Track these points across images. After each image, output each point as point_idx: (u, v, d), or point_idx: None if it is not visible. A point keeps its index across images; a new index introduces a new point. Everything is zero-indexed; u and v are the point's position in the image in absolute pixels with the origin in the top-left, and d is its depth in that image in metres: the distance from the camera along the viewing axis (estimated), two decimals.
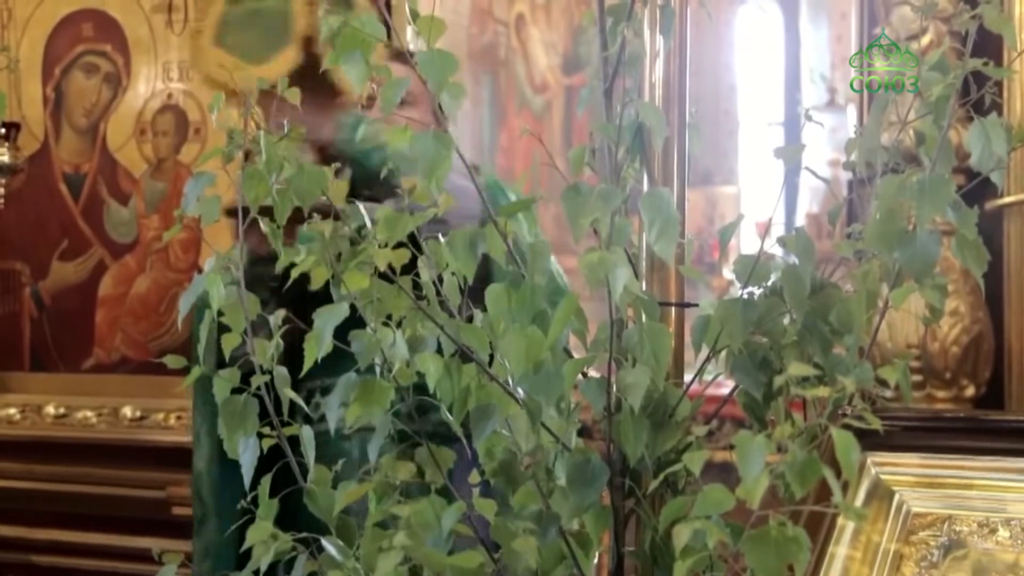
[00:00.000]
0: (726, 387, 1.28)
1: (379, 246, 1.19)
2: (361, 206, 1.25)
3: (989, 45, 1.26)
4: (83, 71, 4.19)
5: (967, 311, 2.83)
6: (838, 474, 0.98)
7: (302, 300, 1.24)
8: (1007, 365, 2.88)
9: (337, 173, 1.39)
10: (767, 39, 9.79)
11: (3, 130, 3.89)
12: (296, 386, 1.27)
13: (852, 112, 5.81)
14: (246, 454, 1.25)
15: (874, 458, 1.89)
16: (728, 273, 6.74)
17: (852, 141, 1.26)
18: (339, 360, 1.21)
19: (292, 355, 1.24)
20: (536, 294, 1.18)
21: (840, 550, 1.80)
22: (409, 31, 1.22)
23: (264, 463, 1.27)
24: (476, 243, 1.20)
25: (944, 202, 1.16)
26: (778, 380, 1.08)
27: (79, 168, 4.20)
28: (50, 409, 4.16)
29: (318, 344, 1.18)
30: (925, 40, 2.77)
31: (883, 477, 1.88)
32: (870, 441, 1.23)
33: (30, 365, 4.27)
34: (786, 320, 1.22)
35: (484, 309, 1.20)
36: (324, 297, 1.21)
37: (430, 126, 1.18)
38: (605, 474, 1.20)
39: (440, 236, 1.22)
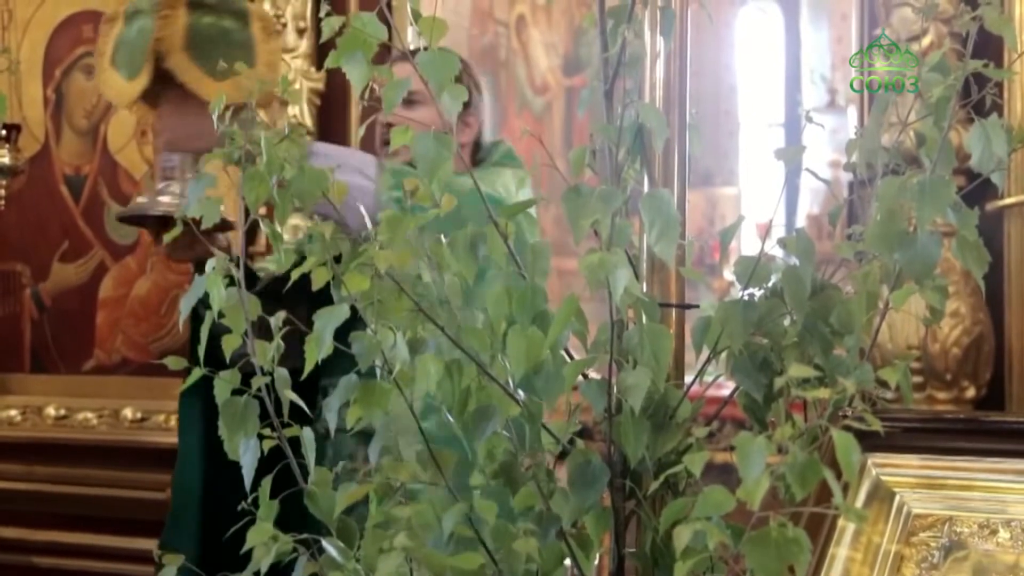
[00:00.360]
0: (727, 388, 1.28)
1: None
2: (362, 207, 1.25)
3: (990, 46, 1.26)
4: (84, 72, 4.19)
5: (968, 312, 2.83)
6: (839, 475, 0.98)
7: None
8: (1008, 366, 2.88)
9: None
10: (767, 40, 9.79)
11: (4, 132, 3.89)
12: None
13: (853, 113, 5.81)
14: (247, 455, 1.25)
15: (875, 459, 1.89)
16: (728, 274, 6.74)
17: (853, 142, 1.26)
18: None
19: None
20: (536, 295, 1.18)
21: (841, 551, 1.80)
22: (410, 32, 1.22)
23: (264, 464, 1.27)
24: (477, 244, 1.20)
25: (945, 203, 1.16)
26: (779, 381, 1.08)
27: (80, 169, 4.20)
28: (50, 410, 4.16)
29: (318, 346, 1.18)
30: (926, 41, 2.78)
31: (884, 478, 1.88)
32: (871, 442, 1.23)
33: (31, 367, 4.27)
34: (787, 321, 1.22)
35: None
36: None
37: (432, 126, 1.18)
38: (606, 475, 1.20)
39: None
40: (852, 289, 1.22)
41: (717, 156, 9.60)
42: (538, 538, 1.20)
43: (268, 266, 2.36)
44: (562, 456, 1.24)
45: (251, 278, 2.33)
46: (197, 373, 1.27)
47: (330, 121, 3.74)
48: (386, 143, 2.41)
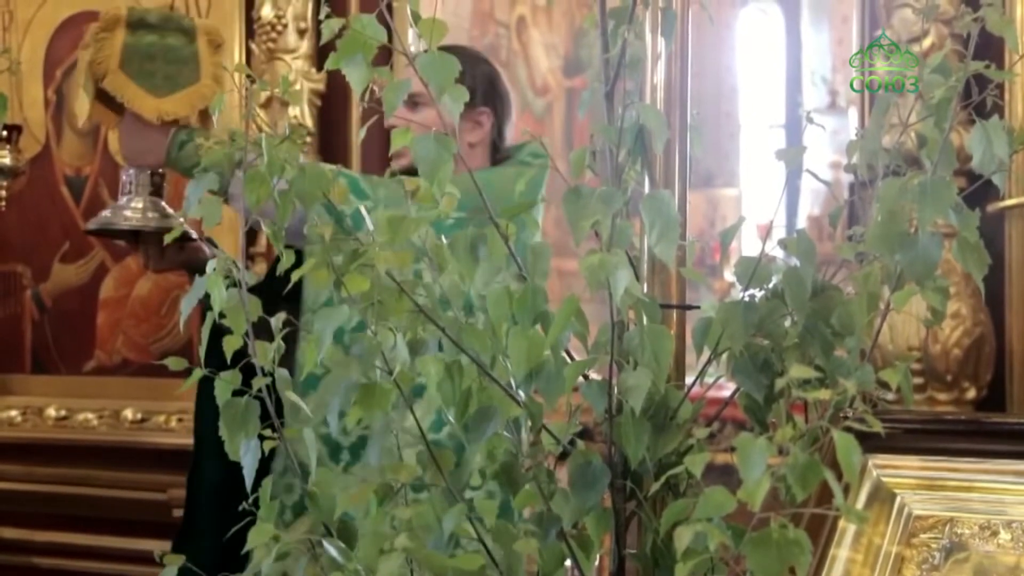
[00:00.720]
0: (727, 389, 1.28)
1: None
2: (362, 208, 1.25)
3: (991, 48, 1.26)
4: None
5: (968, 314, 2.83)
6: (839, 477, 0.98)
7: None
8: (1008, 367, 2.88)
9: None
10: (768, 42, 9.79)
11: (4, 132, 3.88)
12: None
13: (853, 115, 5.81)
14: (247, 456, 1.25)
15: (875, 460, 1.89)
16: (729, 275, 6.74)
17: (853, 143, 1.26)
18: None
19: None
20: (537, 296, 1.18)
21: (841, 552, 1.80)
22: (411, 33, 1.22)
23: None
24: (478, 246, 1.20)
25: (945, 205, 1.16)
26: (779, 382, 1.08)
27: (80, 170, 4.20)
28: (51, 411, 4.16)
29: (318, 347, 1.19)
30: (926, 43, 2.77)
31: (884, 479, 1.88)
32: (871, 443, 1.23)
33: (31, 367, 4.26)
34: (787, 322, 1.22)
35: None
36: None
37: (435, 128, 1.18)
38: (606, 476, 1.20)
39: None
40: (853, 290, 1.22)
41: (718, 157, 9.61)
42: (539, 539, 1.20)
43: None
44: (563, 457, 1.24)
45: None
46: (198, 373, 1.27)
47: (330, 122, 3.74)
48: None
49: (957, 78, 1.20)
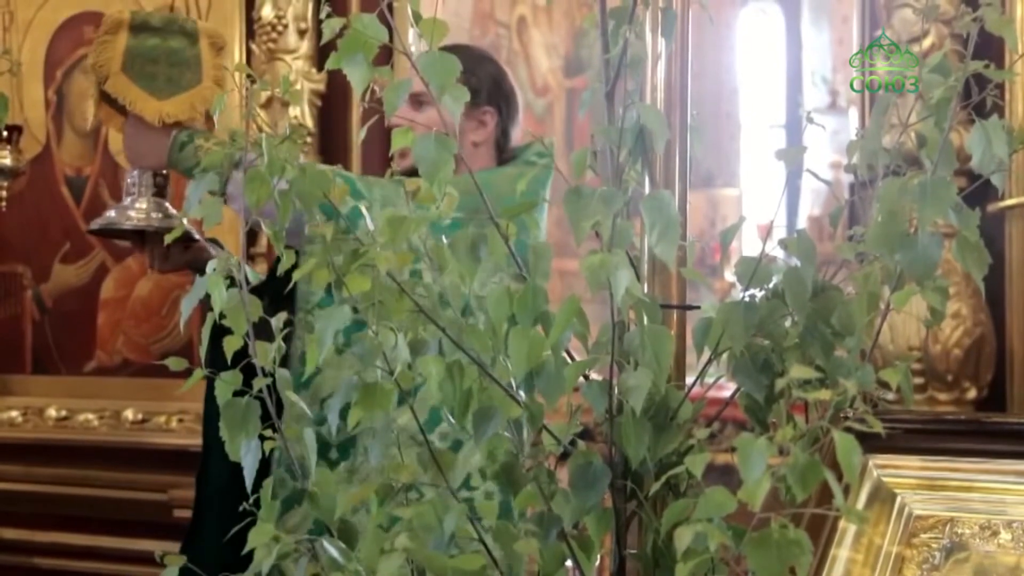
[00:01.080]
0: (728, 390, 1.28)
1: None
2: (362, 207, 1.25)
3: (991, 47, 1.26)
4: (85, 74, 4.19)
5: (969, 314, 2.83)
6: (840, 477, 0.98)
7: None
8: (1009, 367, 2.88)
9: None
10: (769, 42, 9.79)
11: (5, 133, 3.89)
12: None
13: (854, 115, 5.81)
14: (248, 456, 1.25)
15: (876, 460, 1.89)
16: (730, 275, 6.74)
17: (854, 143, 1.26)
18: None
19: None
20: (538, 296, 1.18)
21: (842, 553, 1.80)
22: (411, 33, 1.22)
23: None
24: (478, 246, 1.20)
25: (946, 204, 1.16)
26: (780, 383, 1.08)
27: (81, 171, 4.20)
28: (52, 412, 4.16)
29: (319, 347, 1.19)
30: (926, 43, 2.78)
31: (885, 479, 1.88)
32: (872, 444, 1.23)
33: (32, 368, 4.27)
34: (788, 322, 1.22)
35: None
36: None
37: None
38: (607, 477, 1.20)
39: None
40: (853, 290, 1.22)
41: (718, 157, 9.61)
42: (539, 539, 1.20)
43: None
44: (563, 457, 1.24)
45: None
46: (199, 374, 1.27)
47: (331, 122, 3.74)
48: None
49: (957, 78, 1.20)
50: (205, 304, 1.25)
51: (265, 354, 1.24)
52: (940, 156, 1.18)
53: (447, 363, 1.20)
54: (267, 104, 3.62)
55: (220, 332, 1.25)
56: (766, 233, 1.24)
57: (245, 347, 1.25)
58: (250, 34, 3.81)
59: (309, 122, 3.68)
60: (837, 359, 1.21)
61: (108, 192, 4.13)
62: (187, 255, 2.49)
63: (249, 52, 3.80)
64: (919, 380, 2.84)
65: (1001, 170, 1.18)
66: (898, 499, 1.87)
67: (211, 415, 2.46)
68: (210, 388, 1.27)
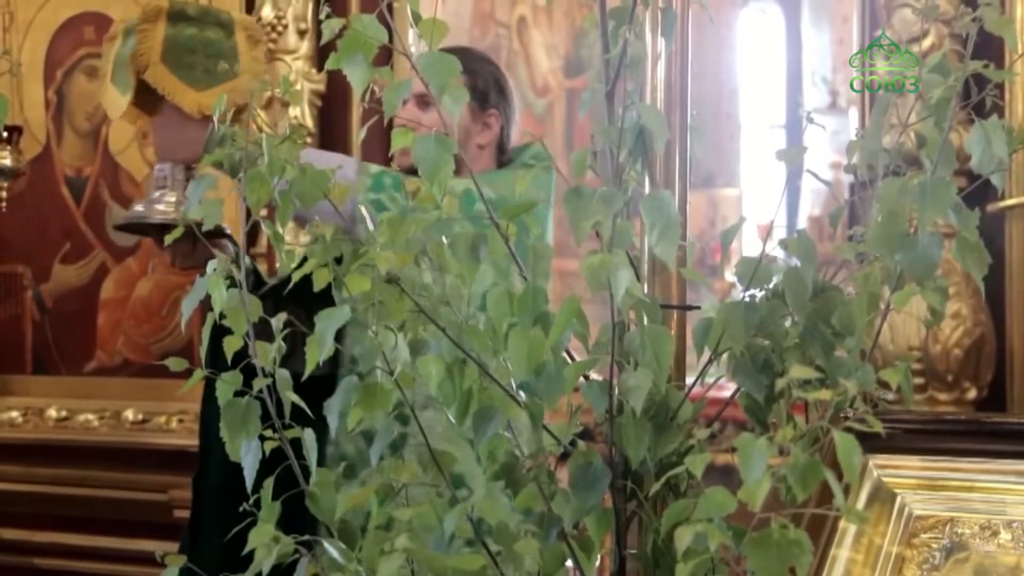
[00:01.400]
0: (728, 390, 1.28)
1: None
2: (363, 209, 1.25)
3: (990, 47, 1.26)
4: (85, 74, 4.19)
5: (969, 314, 2.83)
6: (840, 477, 0.98)
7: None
8: (1009, 367, 2.88)
9: None
10: (769, 42, 9.79)
11: (5, 133, 3.89)
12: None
13: (854, 115, 5.81)
14: (248, 456, 1.25)
15: (876, 461, 1.89)
16: (730, 276, 6.74)
17: (853, 144, 1.26)
18: None
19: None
20: (538, 297, 1.18)
21: (842, 553, 1.80)
22: (411, 34, 1.22)
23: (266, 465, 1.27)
24: (478, 246, 1.20)
25: (945, 204, 1.16)
26: (780, 383, 1.08)
27: (81, 171, 4.21)
28: (52, 412, 4.16)
29: (319, 347, 1.19)
30: (926, 43, 2.78)
31: (885, 480, 1.88)
32: (872, 444, 1.23)
33: (32, 368, 4.27)
34: (788, 323, 1.22)
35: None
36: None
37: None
38: (607, 477, 1.20)
39: None
40: (853, 290, 1.22)
41: (718, 157, 9.61)
42: (539, 539, 1.20)
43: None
44: (563, 457, 1.24)
45: (262, 281, 2.35)
46: (199, 374, 1.27)
47: (331, 123, 3.74)
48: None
49: (956, 78, 1.20)
50: (205, 304, 1.25)
51: (265, 354, 1.24)
52: (940, 156, 1.18)
53: (447, 363, 1.20)
54: (267, 104, 3.63)
55: (221, 332, 1.25)
56: (766, 233, 1.24)
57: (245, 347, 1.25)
58: None
59: (309, 122, 3.68)
60: (837, 359, 1.21)
61: (108, 192, 4.13)
62: (211, 253, 2.46)
63: None
64: (919, 380, 2.84)
65: (1001, 170, 1.18)
66: (898, 499, 1.87)
67: (209, 417, 2.46)
68: (209, 389, 1.27)
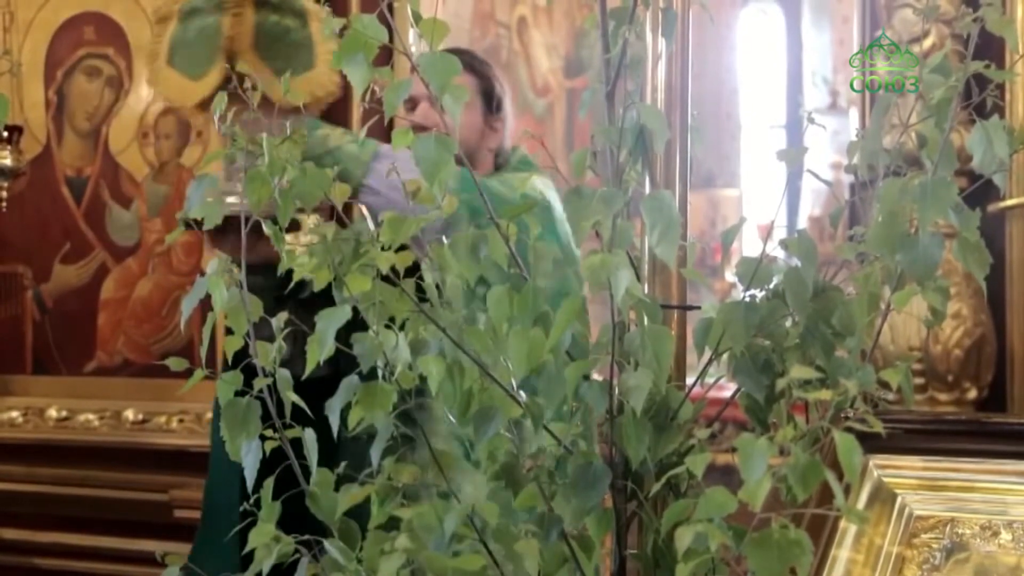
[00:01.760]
0: (728, 390, 1.28)
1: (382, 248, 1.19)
2: (364, 209, 1.25)
3: (991, 48, 1.26)
4: (85, 74, 4.19)
5: (969, 314, 2.83)
6: (840, 477, 0.98)
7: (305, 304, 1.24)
8: (1009, 368, 2.88)
9: None
10: (769, 42, 9.79)
11: (5, 133, 3.89)
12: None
13: (854, 115, 5.81)
14: (248, 457, 1.25)
15: (876, 461, 1.88)
16: (730, 276, 6.74)
17: (854, 144, 1.26)
18: None
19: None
20: (538, 297, 1.18)
21: (842, 553, 1.80)
22: (411, 34, 1.22)
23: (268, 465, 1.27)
24: (478, 246, 1.20)
25: (946, 205, 1.16)
26: (780, 383, 1.08)
27: (81, 171, 4.21)
28: (52, 412, 4.17)
29: (320, 347, 1.19)
30: (927, 43, 2.77)
31: (885, 480, 1.88)
32: (872, 444, 1.23)
33: (32, 368, 4.27)
34: (788, 323, 1.22)
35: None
36: (323, 302, 1.21)
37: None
38: (607, 477, 1.20)
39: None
40: (854, 290, 1.22)
41: (719, 158, 9.61)
42: (540, 540, 1.20)
43: None
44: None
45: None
46: (199, 375, 1.27)
47: (331, 122, 3.73)
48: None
49: (957, 78, 1.20)
50: (206, 304, 1.25)
51: (267, 355, 1.24)
52: (941, 156, 1.18)
53: (447, 363, 1.20)
54: None
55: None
56: (767, 233, 1.24)
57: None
58: None
59: None
60: (838, 359, 1.21)
61: (108, 192, 4.14)
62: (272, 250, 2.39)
63: None
64: (919, 380, 2.84)
65: (1002, 170, 1.18)
66: (898, 499, 1.86)
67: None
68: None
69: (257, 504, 1.26)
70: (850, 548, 1.81)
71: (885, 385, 1.17)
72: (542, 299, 1.18)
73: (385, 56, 1.27)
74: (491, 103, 2.54)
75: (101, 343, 4.15)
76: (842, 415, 1.06)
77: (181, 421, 3.93)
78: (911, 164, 1.23)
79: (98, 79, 4.18)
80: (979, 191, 1.33)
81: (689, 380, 1.30)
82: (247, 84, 1.20)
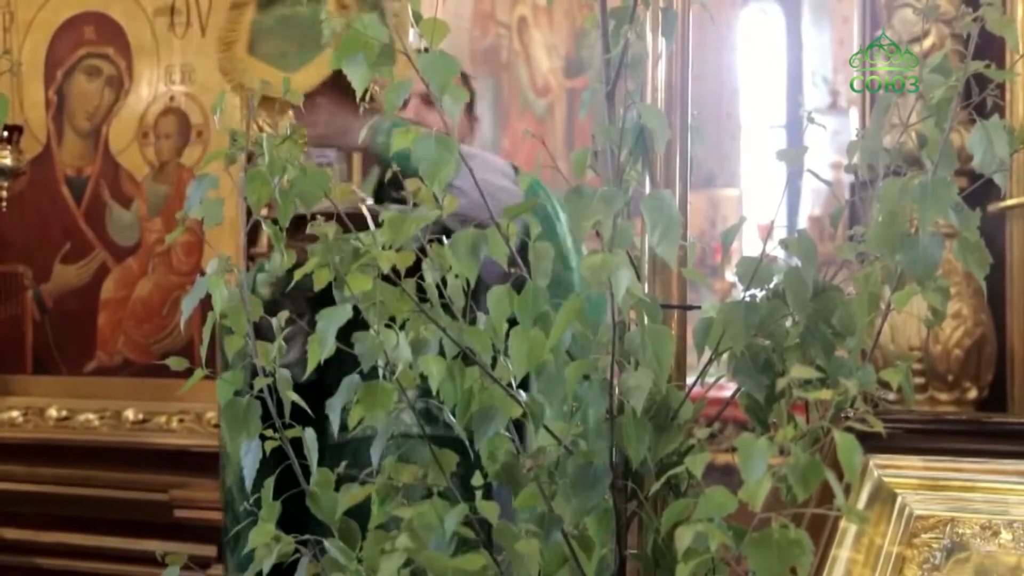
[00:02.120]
0: (728, 390, 1.28)
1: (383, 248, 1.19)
2: (364, 208, 1.25)
3: (991, 47, 1.26)
4: (85, 74, 4.19)
5: (969, 314, 2.83)
6: (840, 477, 0.98)
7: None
8: (1009, 367, 2.88)
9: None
10: (769, 42, 9.80)
11: (5, 133, 3.89)
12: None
13: (854, 115, 5.81)
14: (248, 456, 1.25)
15: (876, 460, 1.88)
16: (730, 275, 6.74)
17: (854, 144, 1.26)
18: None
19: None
20: (538, 296, 1.18)
21: (842, 553, 1.80)
22: (411, 33, 1.22)
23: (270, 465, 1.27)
24: (479, 246, 1.20)
25: (946, 204, 1.16)
26: (780, 383, 1.08)
27: (81, 171, 4.21)
28: (52, 412, 4.17)
29: (320, 346, 1.19)
30: (927, 43, 2.77)
31: (885, 479, 1.88)
32: (872, 443, 1.23)
33: (32, 368, 4.27)
34: (788, 323, 1.22)
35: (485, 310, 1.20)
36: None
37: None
38: (608, 477, 1.20)
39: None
40: (854, 290, 1.22)
41: (719, 157, 9.62)
42: (540, 539, 1.20)
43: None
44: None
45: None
46: (199, 374, 1.27)
47: None
48: None
49: (957, 78, 1.20)
50: (206, 304, 1.25)
51: (266, 354, 1.24)
52: (941, 156, 1.18)
53: (448, 363, 1.20)
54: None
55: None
56: (767, 233, 1.24)
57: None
58: None
59: None
60: (838, 359, 1.21)
61: (108, 192, 4.14)
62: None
63: None
64: (920, 380, 2.84)
65: (1002, 170, 1.18)
66: (899, 499, 1.86)
67: None
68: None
69: (258, 504, 1.26)
70: (850, 548, 1.81)
71: (885, 385, 1.17)
72: (542, 299, 1.18)
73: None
74: (473, 104, 2.56)
75: (101, 343, 4.15)
76: (842, 415, 1.06)
77: (181, 421, 3.93)
78: (911, 164, 1.23)
79: (98, 79, 4.18)
80: (979, 191, 1.33)
81: (689, 380, 1.30)
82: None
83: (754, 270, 1.22)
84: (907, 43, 2.79)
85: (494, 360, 1.21)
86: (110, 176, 4.15)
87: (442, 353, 1.22)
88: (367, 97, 1.19)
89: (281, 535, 1.23)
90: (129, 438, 4.00)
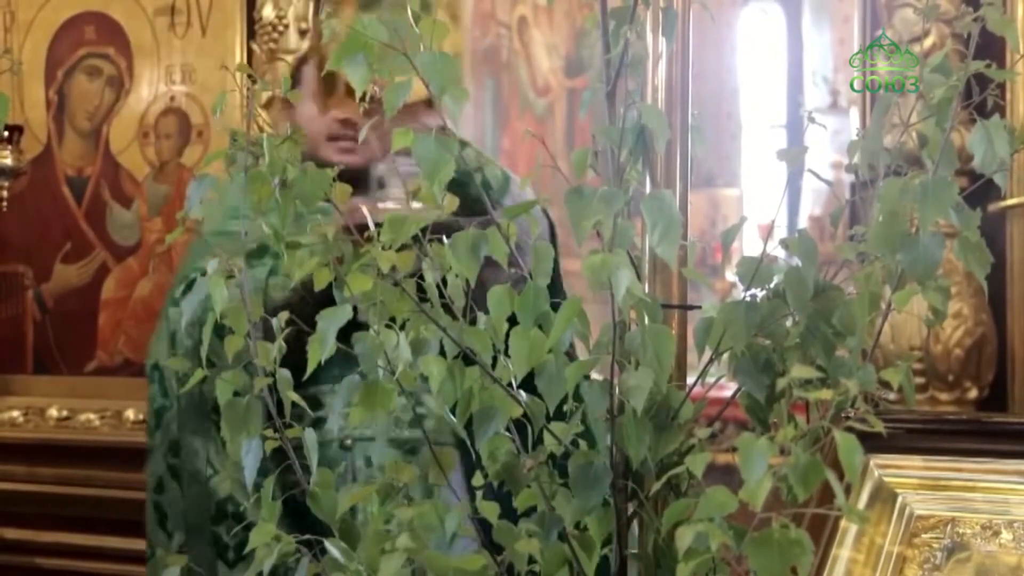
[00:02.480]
0: (729, 389, 1.28)
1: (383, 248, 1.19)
2: (365, 208, 1.25)
3: (992, 47, 1.26)
4: (86, 74, 4.19)
5: (970, 313, 2.83)
6: (841, 477, 0.98)
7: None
8: (1010, 367, 2.88)
9: None
10: (770, 42, 9.79)
11: (6, 133, 3.89)
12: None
13: (855, 115, 5.80)
14: (248, 456, 1.25)
15: (877, 460, 1.88)
16: (731, 275, 6.73)
17: (854, 143, 1.26)
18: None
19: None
20: (539, 296, 1.18)
21: (843, 552, 1.80)
22: None
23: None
24: (479, 245, 1.20)
25: (947, 204, 1.16)
26: (781, 382, 1.08)
27: (82, 171, 4.21)
28: (53, 412, 4.16)
29: (321, 346, 1.19)
30: (927, 42, 2.77)
31: (886, 479, 1.88)
32: (873, 443, 1.23)
33: (33, 368, 4.27)
34: (789, 322, 1.22)
35: (486, 311, 1.20)
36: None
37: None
38: (608, 477, 1.20)
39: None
40: (854, 290, 1.22)
41: (719, 157, 9.61)
42: (540, 539, 1.20)
43: None
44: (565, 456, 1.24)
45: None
46: (199, 374, 1.27)
47: None
48: (334, 138, 2.38)
49: (958, 78, 1.20)
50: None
51: (267, 354, 1.24)
52: (941, 156, 1.18)
53: (448, 363, 1.20)
54: (268, 104, 3.63)
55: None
56: (767, 233, 1.23)
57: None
58: (251, 34, 3.81)
59: None
60: (838, 359, 1.21)
61: (109, 192, 4.14)
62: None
63: (250, 52, 3.81)
64: (920, 380, 2.84)
65: (1003, 170, 1.18)
66: (899, 499, 1.86)
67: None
68: None
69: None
70: (851, 548, 1.81)
71: (886, 385, 1.17)
72: (543, 299, 1.18)
73: None
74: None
75: (102, 343, 4.15)
76: (843, 415, 1.06)
77: None
78: (911, 164, 1.23)
79: (99, 79, 4.18)
80: (980, 191, 1.33)
81: (689, 380, 1.30)
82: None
83: (754, 270, 1.22)
84: (907, 43, 2.80)
85: (494, 360, 1.21)
86: (110, 176, 4.15)
87: (442, 353, 1.22)
88: (367, 97, 1.19)
89: (282, 535, 1.23)
90: (130, 438, 3.99)
